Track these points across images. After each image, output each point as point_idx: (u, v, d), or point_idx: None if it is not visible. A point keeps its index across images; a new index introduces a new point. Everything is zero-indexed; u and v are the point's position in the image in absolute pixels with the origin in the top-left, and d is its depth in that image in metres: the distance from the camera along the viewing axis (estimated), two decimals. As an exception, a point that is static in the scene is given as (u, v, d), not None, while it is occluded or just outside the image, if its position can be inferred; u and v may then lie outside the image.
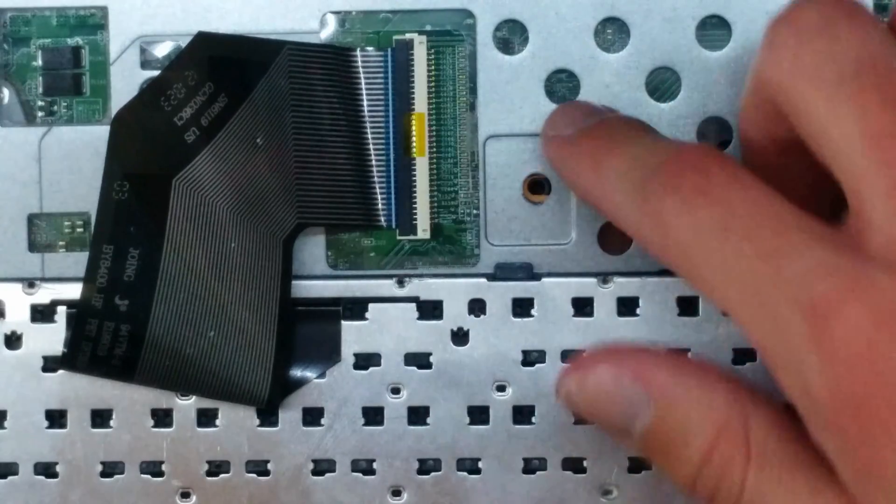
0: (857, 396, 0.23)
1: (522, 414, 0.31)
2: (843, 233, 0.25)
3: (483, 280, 0.31)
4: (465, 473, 0.31)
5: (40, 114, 0.31)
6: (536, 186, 0.31)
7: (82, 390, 0.31)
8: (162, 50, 0.31)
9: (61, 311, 0.31)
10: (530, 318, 0.31)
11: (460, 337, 0.31)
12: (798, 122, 0.26)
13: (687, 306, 0.31)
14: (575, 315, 0.31)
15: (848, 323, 0.23)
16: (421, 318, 0.31)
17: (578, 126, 0.29)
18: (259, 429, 0.31)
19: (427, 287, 0.31)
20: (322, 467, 0.31)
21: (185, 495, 0.31)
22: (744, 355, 0.31)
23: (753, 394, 0.26)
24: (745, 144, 0.29)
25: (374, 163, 0.31)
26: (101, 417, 0.31)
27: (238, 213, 0.30)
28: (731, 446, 0.26)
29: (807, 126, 0.25)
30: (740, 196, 0.25)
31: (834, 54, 0.25)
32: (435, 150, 0.31)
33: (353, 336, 0.31)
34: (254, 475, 0.31)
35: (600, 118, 0.29)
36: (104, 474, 0.31)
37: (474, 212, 0.31)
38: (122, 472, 0.31)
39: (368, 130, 0.31)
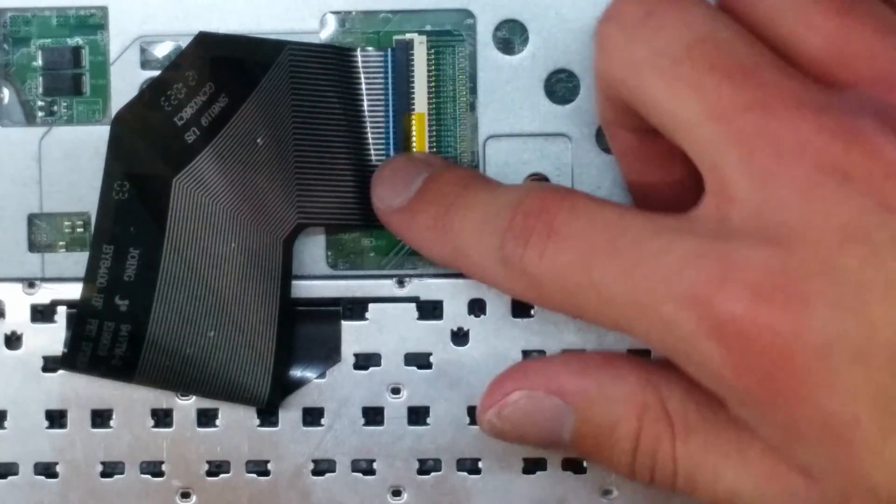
0: (759, 369, 0.24)
1: (522, 414, 0.31)
2: (704, 218, 0.25)
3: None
4: (465, 473, 0.31)
5: (40, 114, 0.31)
6: (536, 186, 0.31)
7: (82, 390, 0.31)
8: (162, 50, 0.31)
9: (61, 311, 0.31)
10: (530, 318, 0.31)
11: (460, 337, 0.31)
12: (647, 113, 0.26)
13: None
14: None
15: (728, 305, 0.24)
16: (421, 318, 0.31)
17: (406, 192, 0.30)
18: (259, 429, 0.31)
19: (427, 287, 0.31)
20: (322, 467, 0.31)
21: (185, 495, 0.31)
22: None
23: (662, 370, 0.27)
24: (609, 138, 0.29)
25: (374, 163, 0.31)
26: (101, 417, 0.31)
27: (238, 213, 0.30)
28: (654, 425, 0.27)
29: (655, 115, 0.26)
30: (588, 224, 0.26)
31: (662, 42, 0.25)
32: (435, 150, 0.31)
33: (353, 336, 0.31)
34: (254, 475, 0.31)
35: (425, 175, 0.30)
36: (104, 474, 0.31)
37: (474, 212, 0.31)
38: (122, 472, 0.31)
39: (368, 130, 0.31)
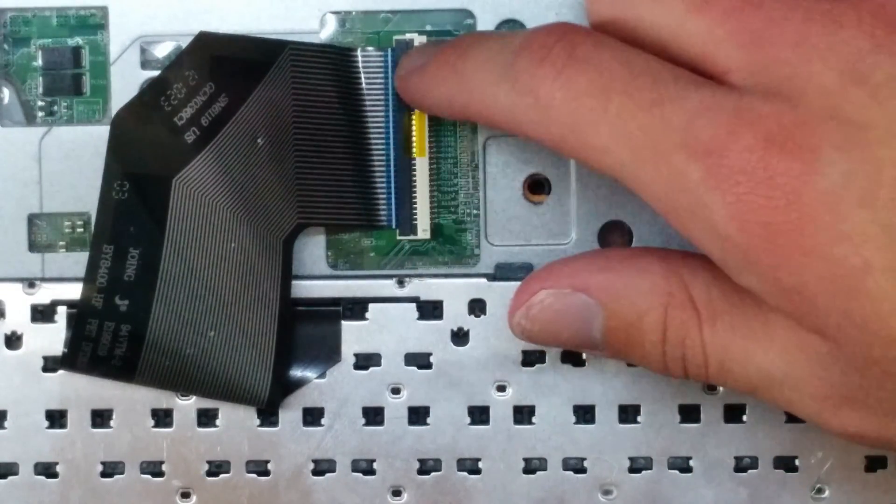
0: (764, 221, 0.24)
1: (522, 414, 0.31)
2: (717, 85, 0.25)
3: (483, 280, 0.31)
4: (466, 473, 0.31)
5: (40, 114, 0.31)
6: (536, 186, 0.31)
7: (82, 390, 0.31)
8: (162, 50, 0.31)
9: (61, 311, 0.31)
10: (530, 318, 0.31)
11: (460, 337, 0.31)
12: (644, 41, 0.26)
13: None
14: (575, 315, 0.31)
15: (740, 153, 0.24)
16: (421, 318, 0.31)
17: (428, 55, 0.29)
18: (259, 429, 0.31)
19: (427, 287, 0.31)
20: (322, 467, 0.31)
21: (185, 495, 0.31)
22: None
23: (684, 258, 0.27)
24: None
25: (374, 163, 0.31)
26: (101, 417, 0.31)
27: (238, 213, 0.30)
28: (680, 313, 0.27)
29: (650, 37, 0.26)
30: (610, 56, 0.26)
31: None
32: (435, 150, 0.31)
33: (354, 336, 0.31)
34: (254, 475, 0.31)
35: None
36: (104, 474, 0.31)
37: (474, 212, 0.31)
38: (122, 472, 0.31)
39: (369, 130, 0.31)
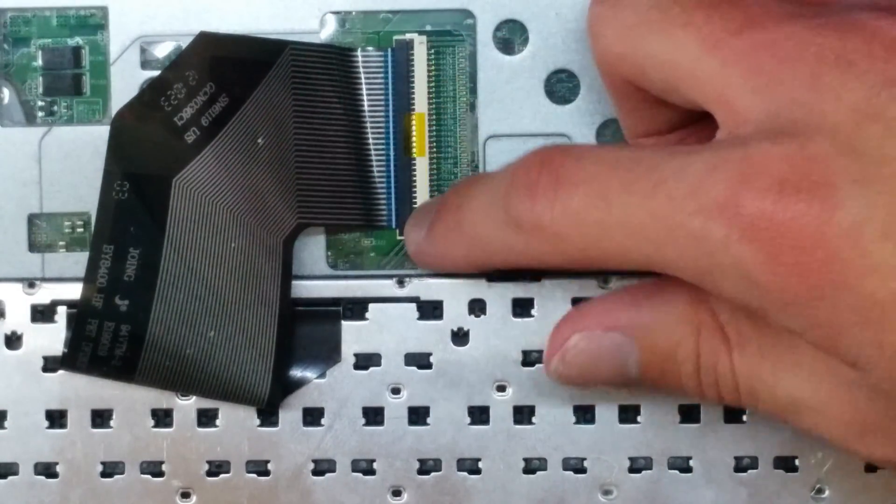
0: (793, 262, 0.24)
1: (522, 414, 0.31)
2: (719, 140, 0.25)
3: (483, 280, 0.31)
4: (466, 473, 0.31)
5: (40, 114, 0.31)
6: (536, 186, 0.31)
7: (82, 390, 0.31)
8: (162, 50, 0.31)
9: (61, 311, 0.31)
10: (530, 319, 0.31)
11: (460, 337, 0.31)
12: (652, 78, 0.26)
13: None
14: (575, 315, 0.31)
15: (756, 200, 0.24)
16: (421, 318, 0.31)
17: (427, 223, 0.30)
18: (259, 429, 0.31)
19: (427, 287, 0.31)
20: (322, 467, 0.31)
21: (185, 495, 0.31)
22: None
23: (698, 289, 0.27)
24: (627, 130, 0.30)
25: (374, 163, 0.31)
26: (101, 417, 0.31)
27: (238, 213, 0.30)
28: (710, 340, 0.27)
29: (659, 74, 0.26)
30: (595, 163, 0.26)
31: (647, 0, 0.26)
32: (435, 150, 0.31)
33: (353, 336, 0.31)
34: (254, 475, 0.31)
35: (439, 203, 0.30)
36: (104, 474, 0.31)
37: (474, 212, 0.31)
38: (122, 472, 0.31)
39: (368, 130, 0.31)
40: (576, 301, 0.31)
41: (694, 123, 0.28)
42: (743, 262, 0.24)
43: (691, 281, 0.26)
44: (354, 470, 0.31)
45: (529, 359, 0.31)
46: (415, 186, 0.31)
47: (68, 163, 0.31)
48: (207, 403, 0.31)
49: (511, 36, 0.31)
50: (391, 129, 0.31)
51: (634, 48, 0.26)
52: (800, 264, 0.24)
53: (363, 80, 0.31)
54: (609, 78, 0.28)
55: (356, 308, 0.31)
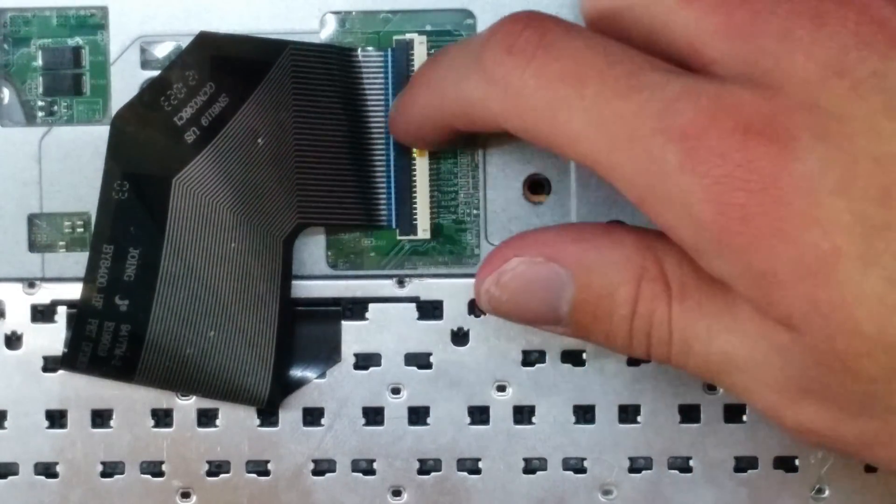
0: (738, 203, 0.24)
1: (522, 414, 0.31)
2: (698, 74, 0.25)
3: (448, 146, 0.31)
4: (466, 473, 0.31)
5: (40, 114, 0.31)
6: (536, 186, 0.31)
7: (82, 390, 0.31)
8: (162, 50, 0.31)
9: (61, 311, 0.31)
10: (530, 318, 0.31)
11: (460, 337, 0.31)
12: (631, 26, 0.27)
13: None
14: (575, 315, 0.31)
15: (719, 137, 0.24)
16: (421, 318, 0.31)
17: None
18: (259, 429, 0.31)
19: (427, 287, 0.31)
20: (322, 467, 0.31)
21: (185, 495, 0.31)
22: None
23: (658, 235, 0.27)
24: None
25: (374, 163, 0.31)
26: (101, 417, 0.31)
27: (238, 213, 0.30)
28: (651, 287, 0.26)
29: (637, 26, 0.26)
30: (584, 44, 0.26)
31: None
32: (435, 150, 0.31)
33: (353, 336, 0.31)
34: (254, 475, 0.31)
35: None
36: (104, 474, 0.31)
37: (474, 212, 0.31)
38: (122, 472, 0.31)
39: (369, 130, 0.31)
40: (576, 301, 0.31)
41: None
42: (690, 193, 0.24)
43: (630, 198, 0.25)
44: (354, 470, 0.31)
45: (529, 359, 0.31)
46: (415, 186, 0.31)
47: (68, 163, 0.31)
48: (207, 403, 0.31)
49: (511, 36, 0.31)
50: (391, 129, 0.31)
51: (617, 2, 0.27)
52: (744, 206, 0.23)
53: (363, 80, 0.31)
54: (595, 31, 0.28)
55: (356, 308, 0.31)
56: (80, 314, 0.30)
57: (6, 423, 0.31)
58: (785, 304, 0.24)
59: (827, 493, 0.31)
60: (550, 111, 0.25)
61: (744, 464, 0.31)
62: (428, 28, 0.31)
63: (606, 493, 0.31)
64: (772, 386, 0.25)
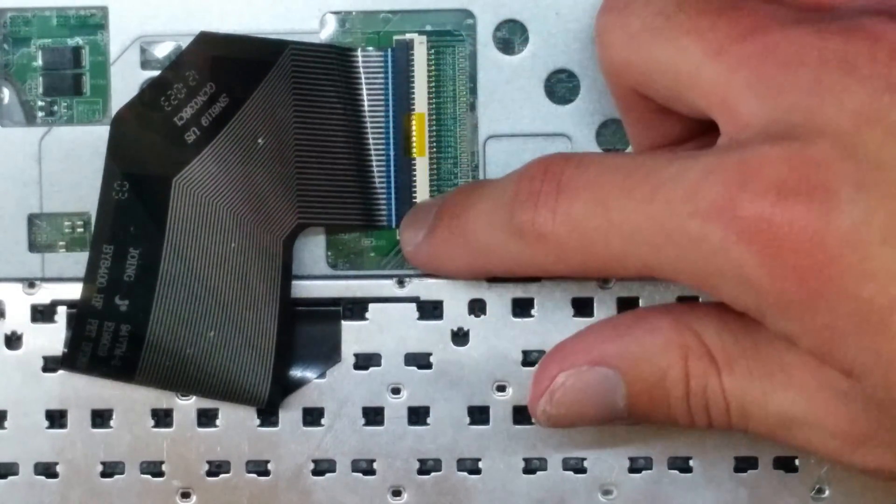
0: (792, 265, 0.23)
1: (522, 414, 0.31)
2: (719, 144, 0.25)
3: (483, 280, 0.31)
4: (466, 473, 0.31)
5: (40, 114, 0.31)
6: (536, 186, 0.31)
7: (82, 390, 0.31)
8: (162, 50, 0.31)
9: (61, 311, 0.31)
10: (530, 319, 0.31)
11: (460, 337, 0.31)
12: (656, 85, 0.26)
13: (687, 306, 0.31)
14: (575, 315, 0.31)
15: (753, 202, 0.24)
16: (421, 318, 0.31)
17: (425, 226, 0.30)
18: (259, 429, 0.31)
19: (427, 287, 0.31)
20: (322, 467, 0.31)
21: (185, 495, 0.31)
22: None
23: (691, 309, 0.27)
24: (632, 138, 0.29)
25: (374, 163, 0.31)
26: (101, 417, 0.31)
27: (238, 213, 0.30)
28: (698, 363, 0.27)
29: (663, 81, 0.26)
30: (597, 170, 0.26)
31: (652, 7, 0.26)
32: (435, 150, 0.31)
33: (353, 336, 0.31)
34: (254, 475, 0.31)
35: (439, 204, 0.30)
36: (104, 474, 0.31)
37: (474, 212, 0.31)
38: (122, 472, 0.31)
39: (369, 130, 0.31)
40: (576, 301, 0.31)
41: (702, 135, 0.28)
42: (741, 264, 0.24)
43: (690, 285, 0.25)
44: (354, 470, 0.31)
45: (529, 359, 0.31)
46: (415, 186, 0.31)
47: (68, 163, 0.31)
48: (207, 403, 0.31)
49: (511, 36, 0.31)
50: (391, 130, 0.31)
51: (639, 55, 0.26)
52: (798, 268, 0.23)
53: (363, 80, 0.31)
54: (616, 87, 0.28)
55: (356, 308, 0.31)
56: (80, 314, 0.30)
57: (6, 423, 0.31)
58: (847, 356, 0.24)
59: (827, 493, 0.31)
60: (590, 248, 0.26)
61: (744, 464, 0.31)
62: (428, 28, 0.31)
63: (606, 493, 0.31)
64: (834, 433, 0.26)
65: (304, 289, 0.31)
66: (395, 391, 0.31)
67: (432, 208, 0.30)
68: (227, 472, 0.31)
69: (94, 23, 0.31)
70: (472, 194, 0.29)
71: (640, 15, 0.26)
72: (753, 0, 0.26)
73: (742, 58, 0.25)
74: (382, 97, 0.31)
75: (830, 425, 0.26)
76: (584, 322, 0.30)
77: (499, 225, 0.27)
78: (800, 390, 0.26)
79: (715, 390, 0.27)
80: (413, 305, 0.31)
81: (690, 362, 0.27)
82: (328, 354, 0.31)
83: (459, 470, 0.31)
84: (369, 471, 0.31)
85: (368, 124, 0.31)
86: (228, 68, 0.30)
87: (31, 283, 0.31)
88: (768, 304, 0.24)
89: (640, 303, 0.31)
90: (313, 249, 0.31)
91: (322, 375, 0.31)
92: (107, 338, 0.30)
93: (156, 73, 0.30)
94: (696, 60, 0.25)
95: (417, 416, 0.31)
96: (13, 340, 0.31)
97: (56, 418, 0.31)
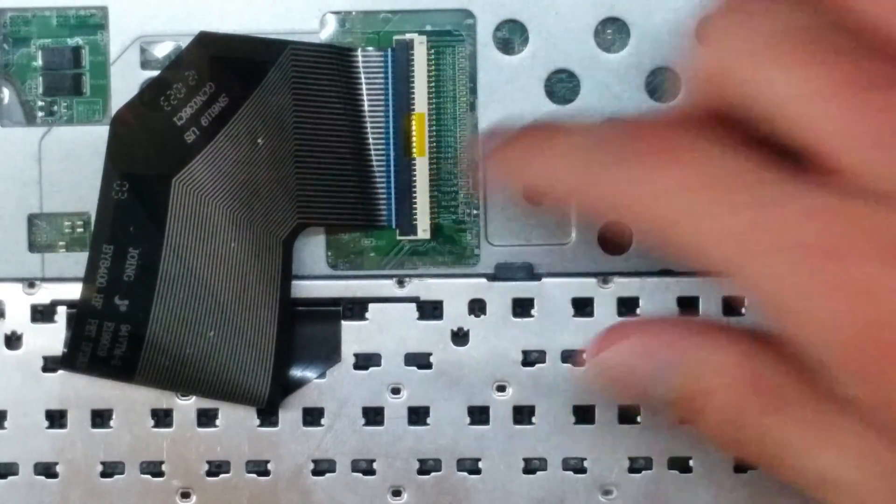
0: (875, 335, 0.23)
1: (522, 414, 0.31)
2: (821, 182, 0.25)
3: (483, 280, 0.31)
4: (465, 473, 0.31)
5: (40, 114, 0.31)
6: (536, 186, 0.31)
7: (82, 390, 0.31)
8: (162, 50, 0.31)
9: (61, 311, 0.31)
10: (530, 319, 0.31)
11: (460, 337, 0.31)
12: (753, 98, 0.25)
13: (687, 306, 0.31)
14: (575, 315, 0.31)
15: (855, 262, 0.23)
16: (421, 318, 0.31)
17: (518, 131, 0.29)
18: (259, 429, 0.31)
19: (427, 287, 0.31)
20: (322, 467, 0.31)
21: (185, 495, 0.31)
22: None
23: (756, 340, 0.26)
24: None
25: (374, 163, 0.31)
26: (101, 417, 0.31)
27: (238, 213, 0.30)
28: (751, 397, 0.26)
29: (765, 98, 0.25)
30: (711, 155, 0.25)
31: (777, 28, 0.25)
32: (435, 150, 0.31)
33: (353, 336, 0.31)
34: (254, 475, 0.31)
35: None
36: (104, 474, 0.31)
37: (474, 212, 0.31)
38: (122, 472, 0.31)
39: (369, 130, 0.31)
40: (576, 301, 0.31)
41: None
42: (820, 311, 0.23)
43: (764, 305, 0.25)
44: (354, 470, 0.31)
45: (529, 359, 0.31)
46: (415, 186, 0.31)
47: (68, 163, 0.31)
48: (207, 403, 0.31)
49: (511, 36, 0.31)
50: (391, 129, 0.31)
51: (752, 70, 0.25)
52: (880, 338, 0.23)
53: (363, 80, 0.31)
54: (703, 88, 0.27)
55: (356, 308, 0.31)
56: (79, 314, 0.30)
57: (6, 423, 0.31)
58: None
59: (827, 493, 0.31)
60: (685, 218, 0.25)
61: (744, 464, 0.31)
62: (428, 28, 0.31)
63: (606, 493, 0.31)
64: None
65: (304, 289, 0.31)
66: (395, 391, 0.31)
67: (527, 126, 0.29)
68: (227, 472, 0.31)
69: (94, 23, 0.31)
70: (578, 122, 0.28)
71: (765, 32, 0.25)
72: (862, 52, 0.24)
73: (864, 106, 0.24)
74: (382, 97, 0.31)
75: (871, 498, 0.25)
76: (584, 322, 0.30)
77: (612, 149, 0.26)
78: (845, 453, 0.25)
79: (754, 430, 0.26)
80: (413, 305, 0.31)
81: (742, 393, 0.26)
82: (328, 354, 0.31)
83: (459, 470, 0.31)
84: (369, 471, 0.31)
85: (368, 124, 0.31)
86: (228, 68, 0.30)
87: (31, 283, 0.31)
88: (837, 363, 0.24)
89: (640, 303, 0.31)
90: (313, 249, 0.31)
91: (322, 375, 0.31)
92: (106, 338, 0.30)
93: (155, 73, 0.30)
94: (812, 93, 0.24)
95: (417, 416, 0.31)
96: (13, 340, 0.31)
97: (56, 418, 0.31)
